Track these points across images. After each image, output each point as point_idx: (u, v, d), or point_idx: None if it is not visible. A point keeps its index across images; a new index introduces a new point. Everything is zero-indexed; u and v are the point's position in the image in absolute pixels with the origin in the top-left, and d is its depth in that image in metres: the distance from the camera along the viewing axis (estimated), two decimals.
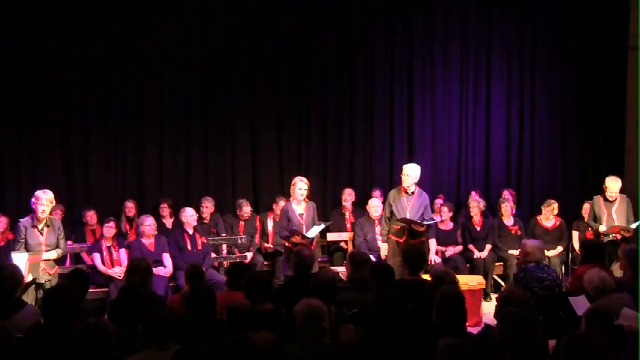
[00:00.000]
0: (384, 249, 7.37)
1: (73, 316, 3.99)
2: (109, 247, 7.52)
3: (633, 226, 7.58)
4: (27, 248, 6.14)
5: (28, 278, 5.87)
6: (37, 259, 6.12)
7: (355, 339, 3.62)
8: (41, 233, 6.20)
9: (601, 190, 7.95)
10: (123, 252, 7.53)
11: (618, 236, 7.63)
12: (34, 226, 6.18)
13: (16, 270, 5.02)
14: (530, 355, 3.52)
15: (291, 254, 6.21)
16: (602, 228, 7.75)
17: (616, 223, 7.69)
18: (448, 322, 3.99)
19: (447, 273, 4.98)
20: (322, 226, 7.27)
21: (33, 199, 6.20)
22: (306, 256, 5.49)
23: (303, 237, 6.89)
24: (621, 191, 7.88)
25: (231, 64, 9.31)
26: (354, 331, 3.67)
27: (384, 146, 9.87)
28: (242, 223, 8.82)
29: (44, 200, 6.14)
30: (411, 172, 7.25)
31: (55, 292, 4.13)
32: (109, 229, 7.57)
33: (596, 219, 7.89)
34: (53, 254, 6.27)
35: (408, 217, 7.16)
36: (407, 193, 7.25)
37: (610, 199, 7.81)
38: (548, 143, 10.24)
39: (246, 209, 8.79)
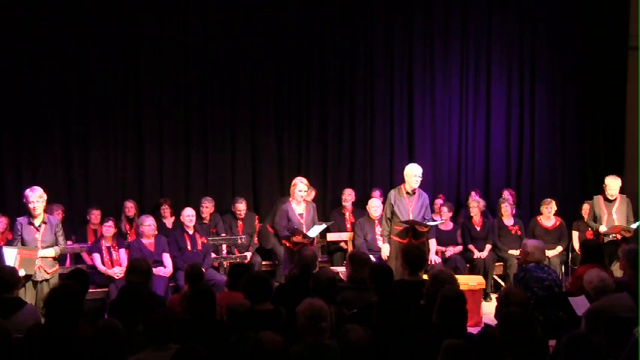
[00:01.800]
0: (385, 250, 7.32)
1: (77, 316, 4.00)
2: (108, 248, 7.52)
3: (634, 226, 7.58)
4: (23, 245, 6.14)
5: (20, 273, 5.83)
6: (31, 255, 6.09)
7: (365, 338, 3.61)
8: (37, 230, 6.20)
9: (601, 190, 7.96)
10: (123, 252, 7.53)
11: (619, 236, 7.63)
12: (31, 223, 6.20)
13: (15, 270, 5.03)
14: (530, 355, 3.51)
15: (292, 254, 6.20)
16: (603, 228, 7.75)
17: (616, 223, 7.69)
18: (449, 323, 3.98)
19: (442, 272, 4.93)
20: (323, 225, 7.26)
21: (24, 200, 6.23)
22: (307, 255, 5.49)
23: (304, 236, 6.87)
24: (621, 191, 7.88)
25: (232, 64, 9.31)
26: (363, 331, 3.66)
27: (384, 146, 9.87)
28: (241, 222, 8.81)
29: (34, 197, 6.16)
30: (420, 173, 7.23)
31: (60, 291, 4.11)
32: (108, 229, 7.57)
33: (596, 219, 7.89)
34: (51, 252, 6.26)
35: (411, 217, 7.14)
36: (408, 193, 7.23)
37: (610, 198, 7.81)
38: (548, 143, 10.23)
39: (240, 206, 8.77)
